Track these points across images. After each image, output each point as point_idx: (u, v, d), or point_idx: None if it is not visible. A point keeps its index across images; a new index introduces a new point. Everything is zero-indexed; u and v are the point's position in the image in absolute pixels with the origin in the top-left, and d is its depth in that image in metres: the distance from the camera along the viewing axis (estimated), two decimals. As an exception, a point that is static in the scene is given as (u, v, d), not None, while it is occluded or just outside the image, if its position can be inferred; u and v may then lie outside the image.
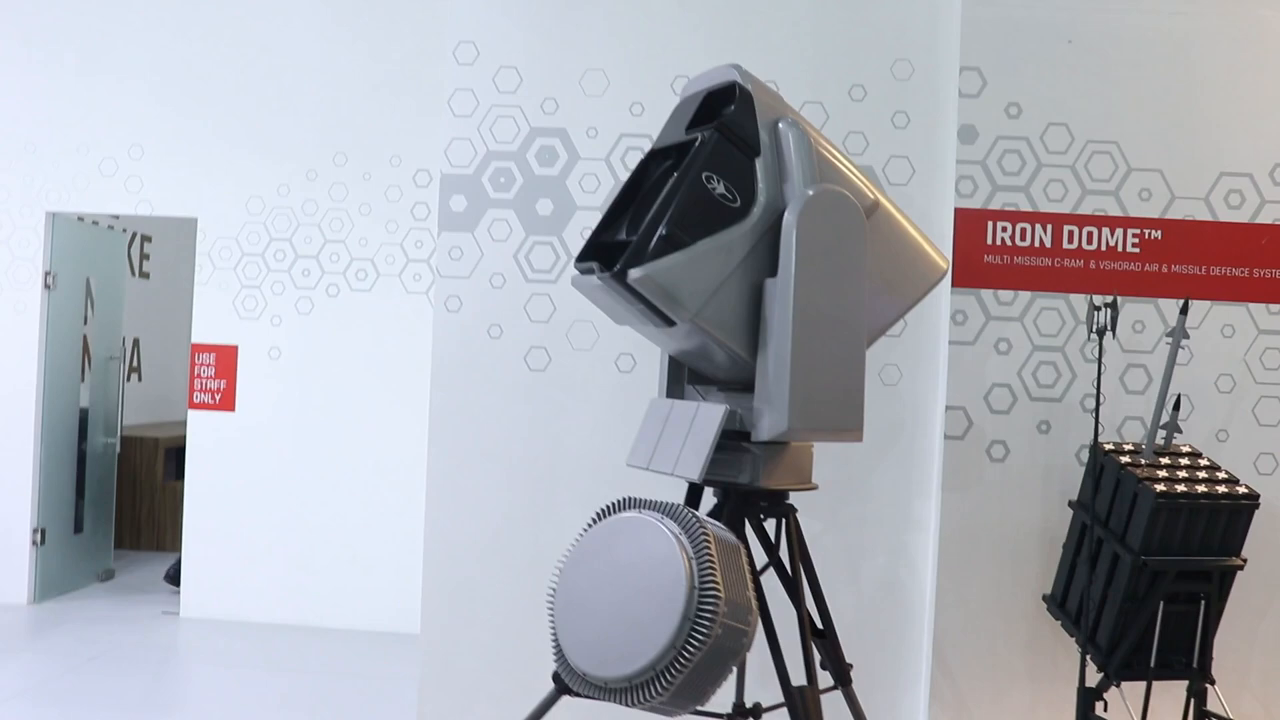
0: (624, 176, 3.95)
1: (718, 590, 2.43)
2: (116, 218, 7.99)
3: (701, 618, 2.42)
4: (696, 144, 2.82)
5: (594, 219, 3.84)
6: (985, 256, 4.04)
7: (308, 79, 6.58)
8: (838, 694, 3.13)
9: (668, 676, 2.43)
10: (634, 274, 2.65)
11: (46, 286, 6.80)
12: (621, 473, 3.20)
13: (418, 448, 5.98)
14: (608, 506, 2.73)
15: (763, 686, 3.03)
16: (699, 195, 2.75)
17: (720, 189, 2.78)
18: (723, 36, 4.13)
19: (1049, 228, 4.04)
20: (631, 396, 3.94)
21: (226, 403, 6.64)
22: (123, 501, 8.41)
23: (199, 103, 6.66)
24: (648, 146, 3.30)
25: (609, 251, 2.84)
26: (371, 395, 6.54)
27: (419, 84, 6.38)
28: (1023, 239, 4.04)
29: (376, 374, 6.53)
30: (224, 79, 6.65)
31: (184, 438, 7.27)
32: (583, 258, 2.92)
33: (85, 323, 7.33)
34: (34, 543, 6.77)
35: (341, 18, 6.59)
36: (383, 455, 6.51)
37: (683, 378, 3.13)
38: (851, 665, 3.16)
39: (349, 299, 6.56)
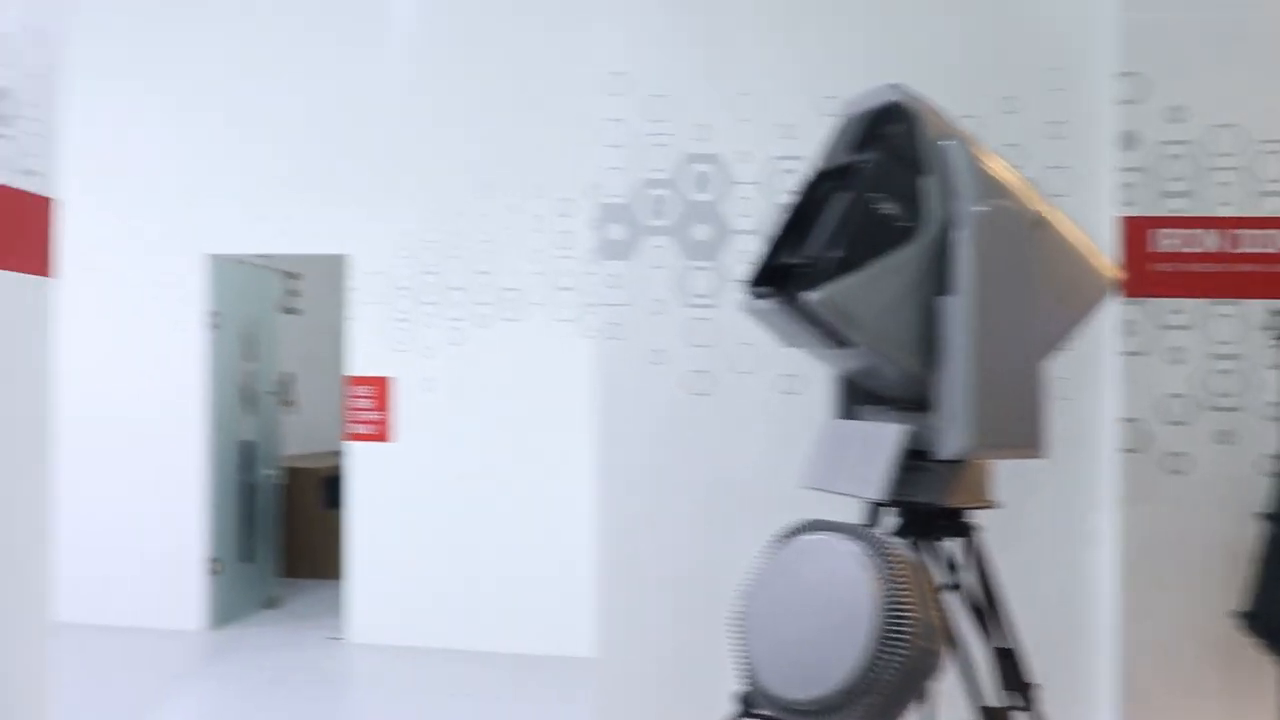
0: (779, 200, 3.98)
1: (909, 612, 2.44)
2: (270, 257, 8.31)
3: (893, 639, 2.43)
4: (864, 165, 2.84)
5: (751, 243, 3.88)
6: (1153, 265, 3.96)
7: (451, 113, 6.78)
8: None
9: (859, 698, 2.44)
10: (813, 297, 2.68)
11: (210, 326, 7.12)
12: (791, 494, 3.22)
13: (574, 472, 6.08)
14: (791, 528, 2.76)
15: (950, 709, 3.02)
16: (870, 216, 2.78)
17: (890, 209, 2.80)
18: (871, 55, 4.14)
19: (1221, 233, 3.95)
20: (796, 418, 3.96)
21: (383, 433, 6.85)
22: (282, 530, 8.71)
23: (346, 142, 6.91)
24: (801, 169, 3.34)
25: (780, 275, 2.88)
26: (525, 422, 6.68)
27: (562, 114, 6.50)
28: (1193, 245, 3.96)
29: (529, 401, 6.67)
30: (369, 118, 6.89)
31: (338, 468, 7.52)
32: (755, 282, 2.96)
33: (245, 359, 7.65)
34: (211, 572, 7.07)
35: (484, 54, 6.77)
36: (540, 480, 6.63)
37: (855, 398, 3.14)
38: (1037, 685, 3.13)
39: (499, 329, 6.72)
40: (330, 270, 7.49)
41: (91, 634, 6.50)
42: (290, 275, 8.84)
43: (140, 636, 6.78)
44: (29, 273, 3.87)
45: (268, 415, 8.07)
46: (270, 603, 7.86)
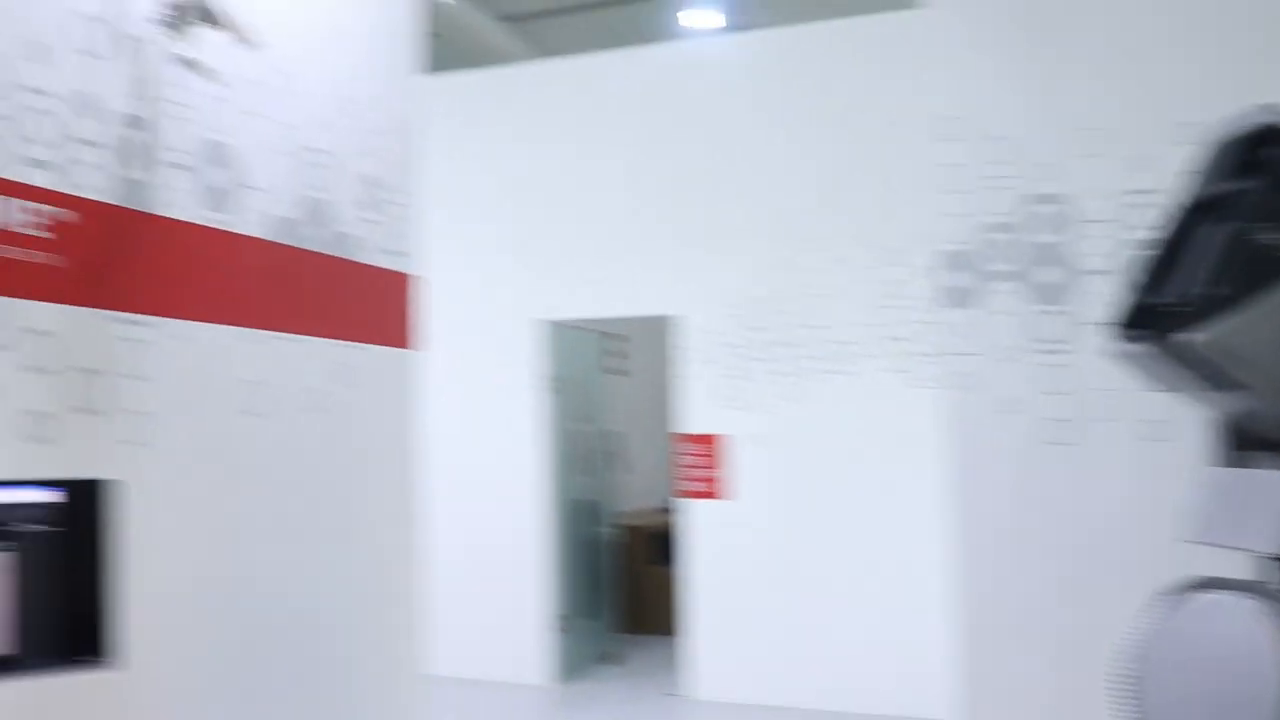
0: (1132, 236, 3.78)
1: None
2: (599, 321, 8.64)
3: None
4: (1244, 193, 2.66)
5: (1105, 284, 3.70)
6: None
7: (774, 168, 6.87)
8: None
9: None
10: (1198, 338, 2.52)
11: (546, 389, 7.47)
12: (1164, 548, 3.02)
13: (916, 525, 5.97)
14: (1179, 585, 2.58)
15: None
16: (1254, 249, 2.59)
17: (1272, 239, 2.61)
18: (1223, 76, 3.88)
19: None
20: (1165, 467, 3.72)
21: (716, 489, 6.94)
22: (617, 587, 8.96)
23: (669, 204, 7.12)
24: (1158, 202, 3.15)
25: (1152, 316, 2.72)
26: (861, 475, 6.60)
27: (889, 163, 6.46)
28: None
29: (865, 454, 6.59)
30: (690, 179, 7.08)
31: (667, 524, 7.67)
32: (1124, 324, 2.81)
33: (579, 420, 7.96)
34: (559, 629, 7.36)
35: (807, 106, 6.83)
36: (881, 533, 6.52)
37: (1240, 443, 2.92)
38: None
39: (831, 383, 6.70)
40: (654, 331, 7.71)
41: (444, 686, 6.85)
42: (617, 338, 9.16)
43: (490, 690, 7.12)
44: (398, 346, 4.19)
45: (601, 474, 8.35)
46: (609, 658, 8.07)
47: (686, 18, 8.96)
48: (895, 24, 6.47)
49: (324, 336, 3.78)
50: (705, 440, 6.99)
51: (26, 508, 2.85)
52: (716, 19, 9.05)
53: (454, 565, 7.21)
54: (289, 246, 3.65)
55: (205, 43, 3.24)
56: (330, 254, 3.84)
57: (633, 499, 9.85)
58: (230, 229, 3.42)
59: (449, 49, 7.99)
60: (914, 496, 6.20)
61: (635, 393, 9.93)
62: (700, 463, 7.00)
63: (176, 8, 3.08)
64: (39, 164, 2.82)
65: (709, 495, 6.97)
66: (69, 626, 2.92)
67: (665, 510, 8.75)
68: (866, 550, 6.56)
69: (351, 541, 3.90)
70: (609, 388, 8.81)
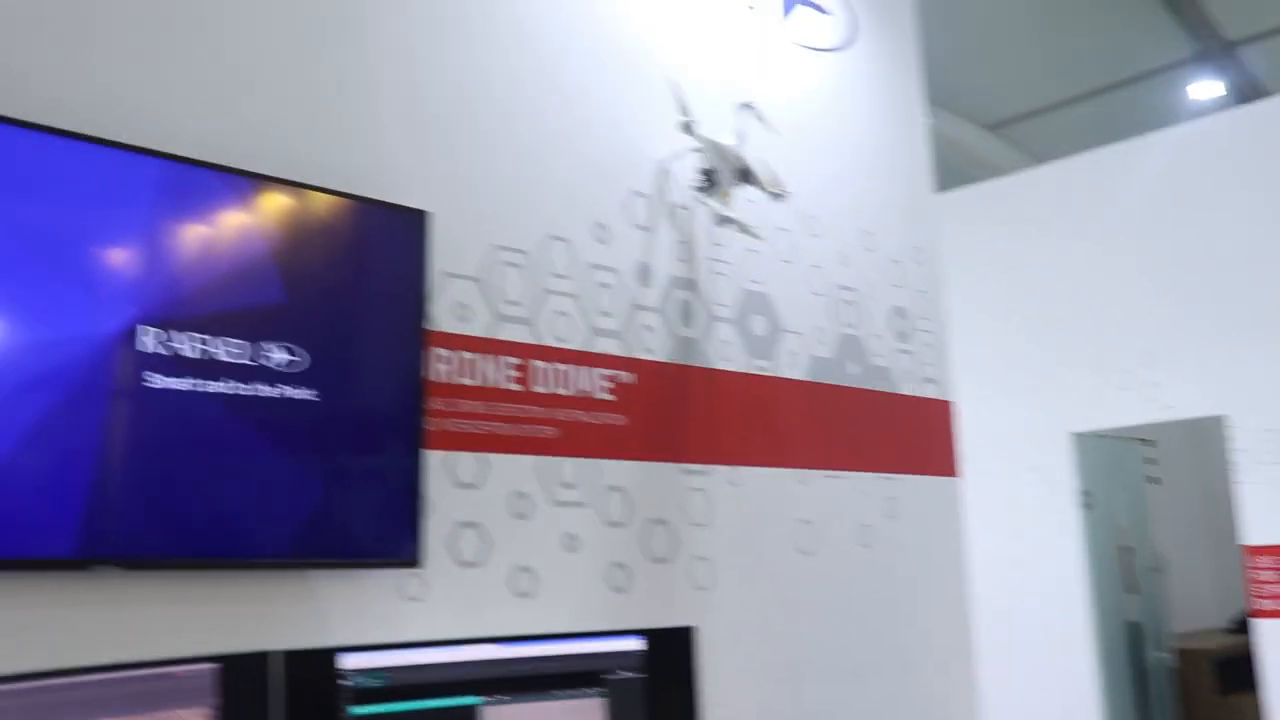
0: None
1: None
2: (1131, 428, 8.08)
3: None
4: None
5: None
6: None
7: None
8: None
9: None
10: None
11: (1082, 505, 7.03)
12: None
13: None
14: None
15: None
16: None
17: None
18: None
19: None
20: None
21: (1297, 606, 6.16)
22: (1177, 717, 8.14)
23: (1201, 297, 6.55)
24: None
25: None
26: None
27: None
28: None
29: None
30: (1221, 264, 6.50)
31: (1236, 647, 6.88)
32: None
33: (1118, 535, 7.41)
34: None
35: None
36: None
37: None
38: None
39: None
40: (1191, 435, 7.09)
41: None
42: (1149, 444, 8.51)
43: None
44: (940, 475, 4.09)
45: (1149, 593, 7.69)
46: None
47: (1196, 90, 8.38)
48: None
49: (868, 471, 3.77)
50: (1277, 552, 6.24)
51: (614, 656, 3.02)
52: (1214, 88, 8.41)
53: (997, 699, 6.86)
54: (828, 385, 3.70)
55: (739, 200, 3.41)
56: (867, 388, 3.85)
57: (1187, 619, 8.98)
58: (773, 374, 3.53)
59: (940, 166, 7.96)
60: None
61: (1175, 503, 9.14)
62: (1275, 577, 6.25)
63: (713, 172, 3.27)
64: (608, 334, 3.07)
65: (1290, 613, 6.18)
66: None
67: (1233, 631, 7.89)
68: None
69: (908, 676, 3.80)
70: (1147, 499, 8.15)
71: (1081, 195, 7.17)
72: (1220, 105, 8.20)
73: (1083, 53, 8.26)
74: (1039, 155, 8.87)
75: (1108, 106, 8.82)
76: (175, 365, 2.14)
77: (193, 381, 2.16)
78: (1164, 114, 8.23)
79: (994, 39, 8.16)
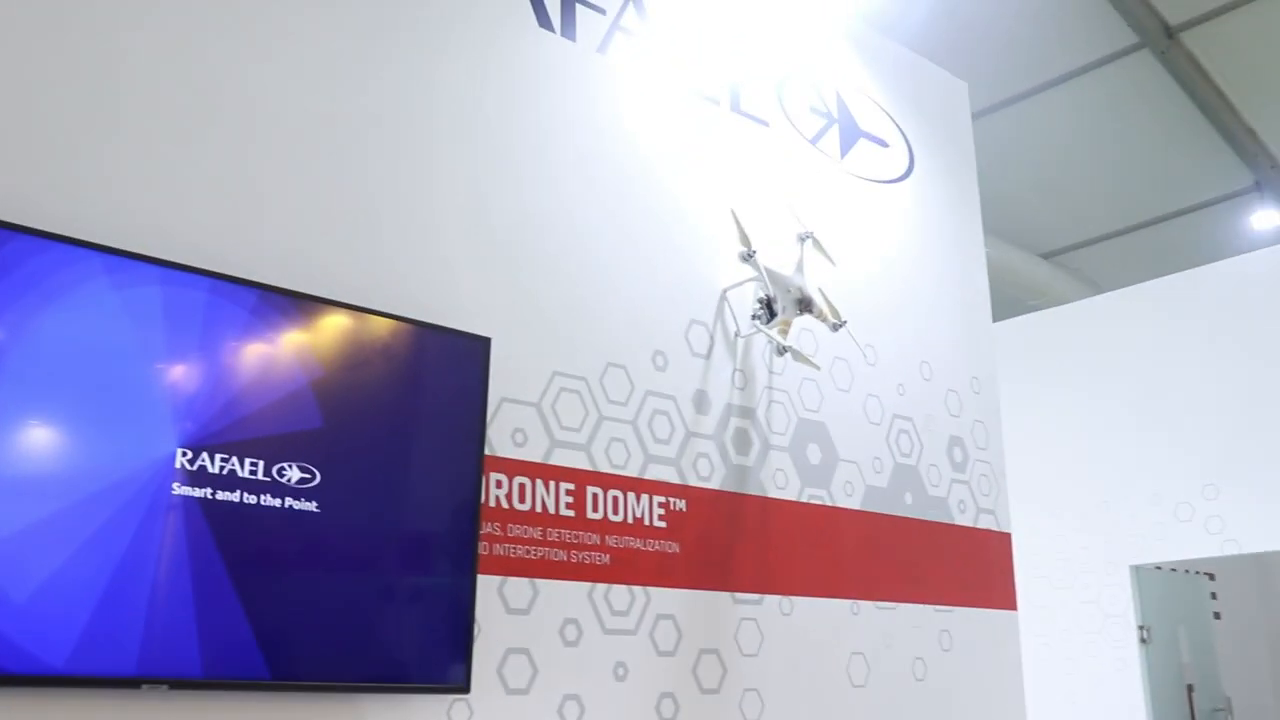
0: None
1: None
2: (1192, 561, 7.87)
3: None
4: None
5: None
6: None
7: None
8: None
9: None
10: None
11: (1142, 640, 6.82)
12: None
13: None
14: None
15: None
16: None
17: None
18: None
19: None
20: None
21: (1369, 754, 5.89)
22: None
23: (1264, 427, 6.43)
24: None
25: None
26: None
27: None
28: None
29: None
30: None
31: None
32: None
33: (1184, 673, 7.16)
34: None
35: None
36: None
37: None
38: None
39: None
40: (1254, 569, 6.89)
41: None
42: (1210, 577, 8.27)
43: None
44: (996, 608, 3.99)
45: (1215, 733, 7.40)
46: None
47: (1257, 219, 8.34)
48: None
49: (923, 603, 3.69)
50: (1348, 695, 6.00)
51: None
52: (1271, 218, 8.36)
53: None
54: (883, 514, 3.65)
55: (797, 330, 3.41)
56: (923, 518, 3.79)
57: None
58: (828, 503, 3.49)
59: (997, 295, 7.96)
60: None
61: (1239, 639, 8.83)
62: (1344, 721, 5.99)
63: (772, 302, 3.28)
64: (663, 460, 3.06)
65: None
66: None
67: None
68: None
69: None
70: (1210, 637, 7.89)
71: (1142, 324, 7.10)
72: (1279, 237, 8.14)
73: (1140, 182, 8.29)
74: (1097, 284, 8.84)
75: (1166, 235, 8.82)
76: (208, 480, 2.15)
77: (229, 495, 2.16)
78: (1224, 244, 8.21)
79: (1051, 169, 8.21)
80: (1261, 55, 7.23)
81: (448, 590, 2.45)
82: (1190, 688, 7.24)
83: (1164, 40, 7.17)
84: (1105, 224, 8.99)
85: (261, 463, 2.18)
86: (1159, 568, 7.20)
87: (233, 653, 2.12)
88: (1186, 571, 7.66)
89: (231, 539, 2.13)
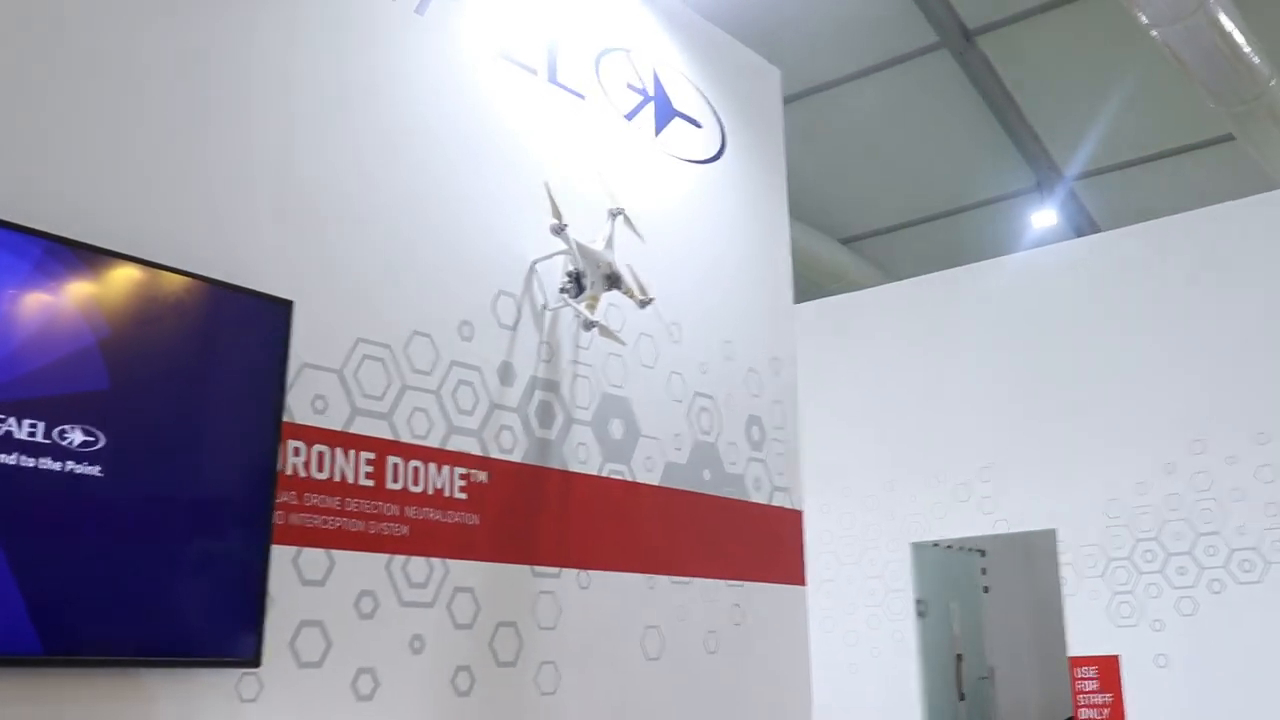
0: None
1: None
2: (966, 539, 8.30)
3: None
4: None
5: None
6: None
7: (1144, 369, 6.50)
8: None
9: None
10: None
11: (920, 614, 7.17)
12: None
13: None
14: None
15: None
16: None
17: None
18: None
19: None
20: None
21: (1116, 716, 6.35)
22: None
23: (1037, 415, 6.84)
24: None
25: None
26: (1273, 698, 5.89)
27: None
28: None
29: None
30: (1057, 384, 6.79)
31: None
32: None
33: (951, 645, 7.57)
34: None
35: (1183, 299, 6.48)
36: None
37: None
38: None
39: (1235, 594, 6.08)
40: (1017, 547, 7.31)
41: None
42: (980, 554, 8.76)
43: None
44: (788, 583, 4.12)
45: (980, 702, 7.85)
46: None
47: (1037, 218, 8.81)
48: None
49: (717, 578, 3.77)
50: (1099, 663, 6.45)
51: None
52: (1049, 218, 8.86)
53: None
54: (681, 490, 3.71)
55: (605, 305, 3.43)
56: (720, 495, 3.88)
57: (1013, 728, 9.18)
58: (628, 478, 3.52)
59: (798, 278, 8.20)
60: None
61: (1006, 613, 9.38)
62: (1094, 688, 6.44)
63: (580, 276, 3.28)
64: (466, 432, 3.03)
65: (1110, 725, 6.38)
66: None
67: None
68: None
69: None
70: (979, 610, 8.36)
71: (929, 312, 7.44)
72: (1056, 235, 8.64)
73: (934, 175, 8.64)
74: (892, 271, 9.19)
75: (956, 228, 9.24)
76: None
77: (4, 457, 2.03)
78: (1008, 239, 8.65)
79: (853, 157, 8.48)
80: (1051, 63, 7.65)
81: (239, 560, 2.37)
82: (959, 657, 7.67)
83: (961, 42, 7.50)
84: (901, 213, 9.37)
85: (42, 424, 2.06)
86: (936, 545, 7.58)
87: (1, 625, 2.00)
88: (961, 549, 8.09)
89: (3, 504, 2.00)
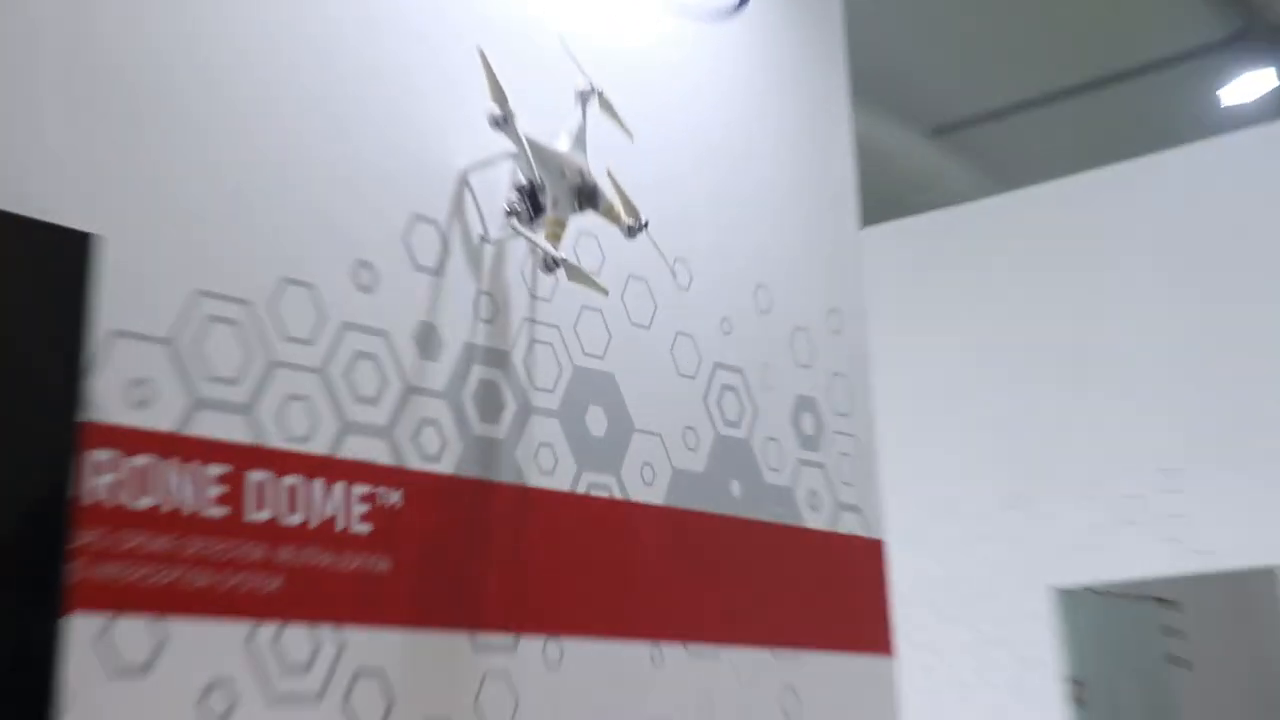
0: None
1: None
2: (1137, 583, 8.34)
3: None
4: None
5: None
6: None
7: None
8: None
9: None
10: None
11: (1074, 702, 7.21)
12: None
13: None
14: None
15: None
16: None
17: None
18: None
19: None
20: None
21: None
22: None
23: (1263, 389, 6.82)
24: None
25: None
26: None
27: None
28: None
29: None
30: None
31: None
32: None
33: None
34: None
35: None
36: None
37: None
38: None
39: None
40: (1226, 593, 7.33)
41: None
42: (1170, 605, 8.74)
43: None
44: (865, 651, 4.12)
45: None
46: None
47: (1242, 83, 8.69)
48: None
49: (758, 645, 3.77)
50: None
51: None
52: (1259, 82, 8.76)
53: None
54: (698, 513, 3.71)
55: (574, 232, 3.40)
56: (757, 519, 3.86)
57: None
58: (617, 496, 3.52)
59: (867, 188, 8.17)
60: None
61: (1206, 697, 9.36)
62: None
63: (538, 191, 3.25)
64: (367, 430, 3.01)
65: None
66: None
67: None
68: None
69: None
70: (1167, 692, 8.35)
71: (1071, 233, 7.43)
72: (1271, 109, 8.50)
73: (1072, 28, 8.55)
74: (1004, 174, 9.14)
75: (1107, 106, 9.14)
76: None
77: None
78: (1190, 120, 8.55)
79: (945, 6, 8.40)
80: None
81: (14, 642, 2.33)
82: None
83: None
84: (1021, 88, 9.30)
85: None
86: (1095, 591, 7.57)
87: None
88: (1135, 598, 8.08)
89: None
